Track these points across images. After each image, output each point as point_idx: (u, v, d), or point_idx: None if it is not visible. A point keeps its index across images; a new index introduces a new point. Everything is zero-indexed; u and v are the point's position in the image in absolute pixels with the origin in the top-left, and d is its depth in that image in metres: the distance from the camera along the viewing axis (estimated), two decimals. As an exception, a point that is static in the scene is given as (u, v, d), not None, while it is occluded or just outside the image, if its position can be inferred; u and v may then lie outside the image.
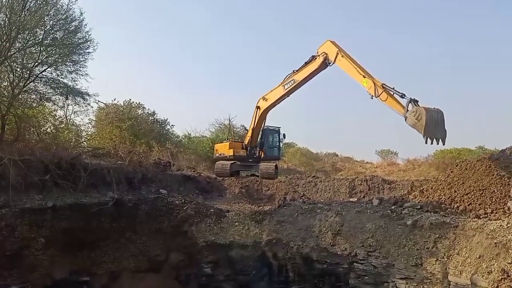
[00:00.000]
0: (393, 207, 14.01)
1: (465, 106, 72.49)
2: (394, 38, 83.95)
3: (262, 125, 22.63)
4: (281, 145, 25.19)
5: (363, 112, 75.31)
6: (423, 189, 15.14)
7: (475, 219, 11.81)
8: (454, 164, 15.15)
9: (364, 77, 15.67)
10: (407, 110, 13.86)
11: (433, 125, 13.06)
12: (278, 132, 24.56)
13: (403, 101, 14.34)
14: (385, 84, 14.93)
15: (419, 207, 13.48)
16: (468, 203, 12.98)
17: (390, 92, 14.75)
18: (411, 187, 17.44)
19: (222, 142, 25.77)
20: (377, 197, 16.81)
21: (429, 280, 11.32)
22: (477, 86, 74.10)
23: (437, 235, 11.57)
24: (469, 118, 67.55)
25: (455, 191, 13.64)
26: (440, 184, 14.45)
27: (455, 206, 13.14)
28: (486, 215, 12.07)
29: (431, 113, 13.13)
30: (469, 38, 78.18)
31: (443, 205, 13.36)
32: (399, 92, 14.46)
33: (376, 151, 43.23)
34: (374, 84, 15.16)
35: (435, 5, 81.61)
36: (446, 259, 11.13)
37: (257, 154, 23.46)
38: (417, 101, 13.82)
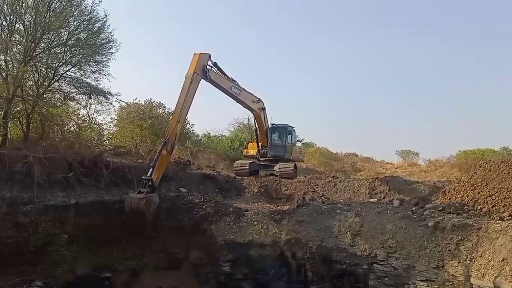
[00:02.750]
0: (414, 208, 13.86)
1: (489, 106, 71.09)
2: (415, 38, 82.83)
3: (265, 125, 22.20)
4: (286, 144, 23.28)
5: (383, 112, 74.72)
6: (445, 190, 14.92)
7: (499, 221, 11.60)
8: (478, 165, 14.87)
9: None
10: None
11: (132, 213, 13.26)
12: (284, 129, 23.44)
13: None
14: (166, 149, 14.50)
15: (441, 208, 13.30)
16: (492, 205, 12.74)
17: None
18: (433, 188, 17.18)
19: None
20: (397, 198, 16.64)
21: (451, 283, 11.16)
22: (502, 87, 72.51)
23: (459, 237, 11.40)
24: (493, 118, 66.20)
25: (478, 193, 13.40)
26: (463, 186, 14.21)
27: (478, 207, 12.92)
28: (510, 217, 11.82)
29: (130, 197, 13.34)
30: (497, 38, 76.53)
31: (465, 207, 13.15)
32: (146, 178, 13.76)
33: (396, 151, 42.86)
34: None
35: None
36: (468, 262, 10.97)
37: (267, 154, 23.02)
38: (151, 187, 13.59)
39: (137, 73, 75.00)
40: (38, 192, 12.66)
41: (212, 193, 18.70)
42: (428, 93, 78.44)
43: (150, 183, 13.53)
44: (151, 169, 13.90)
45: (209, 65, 16.58)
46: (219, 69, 17.42)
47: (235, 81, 18.58)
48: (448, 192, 14.57)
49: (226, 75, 17.97)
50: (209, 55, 16.59)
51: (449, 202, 13.76)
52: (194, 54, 15.95)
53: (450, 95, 77.62)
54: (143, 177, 13.80)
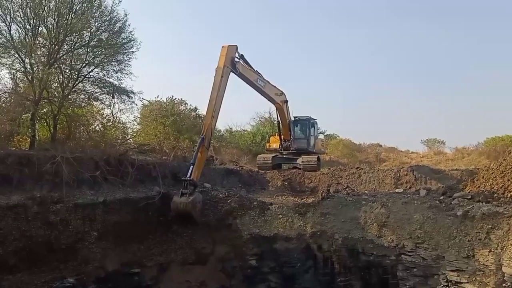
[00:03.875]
0: (441, 198, 13.59)
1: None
2: (437, 25, 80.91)
3: (287, 118, 22.12)
4: (309, 136, 23.44)
5: (407, 101, 73.41)
6: (473, 178, 14.56)
7: (531, 208, 11.25)
8: (507, 152, 14.44)
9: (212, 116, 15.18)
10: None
11: (178, 214, 13.90)
12: (307, 121, 23.55)
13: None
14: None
15: (469, 197, 12.97)
16: (523, 192, 12.37)
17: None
18: (460, 176, 16.82)
19: None
20: (424, 187, 16.36)
21: (482, 272, 10.90)
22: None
23: (489, 226, 11.11)
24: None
25: (508, 180, 13.01)
26: (492, 173, 13.83)
27: (509, 195, 12.54)
28: (542, 204, 11.47)
29: (174, 201, 13.75)
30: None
31: (495, 195, 12.79)
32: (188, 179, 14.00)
33: (421, 140, 42.08)
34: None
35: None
36: (499, 250, 10.68)
37: (290, 147, 22.90)
38: (193, 186, 13.92)
39: (155, 70, 75.71)
40: (67, 191, 12.92)
41: (236, 188, 18.78)
42: (453, 80, 76.75)
43: (191, 182, 13.83)
44: (191, 167, 14.14)
45: (237, 57, 16.60)
46: (245, 61, 17.39)
47: (259, 73, 18.55)
48: (477, 180, 14.21)
49: (251, 67, 17.94)
50: (236, 47, 16.59)
51: (478, 190, 13.43)
52: (223, 46, 15.96)
53: (476, 81, 75.73)
54: (183, 178, 14.09)
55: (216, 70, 15.53)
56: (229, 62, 15.79)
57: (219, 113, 15.64)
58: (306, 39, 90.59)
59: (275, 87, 20.10)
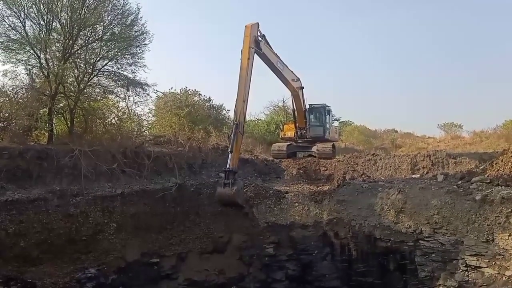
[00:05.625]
0: (459, 182, 13.44)
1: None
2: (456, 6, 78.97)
3: (302, 105, 21.92)
4: (326, 123, 23.05)
5: (423, 85, 72.31)
6: (492, 162, 14.35)
7: (551, 191, 11.06)
8: (527, 134, 14.21)
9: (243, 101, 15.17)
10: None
11: (224, 204, 14.59)
12: (323, 109, 23.14)
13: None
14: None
15: (488, 181, 12.82)
16: (543, 174, 12.16)
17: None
18: (479, 160, 16.57)
19: None
20: (441, 172, 16.18)
21: (502, 256, 10.81)
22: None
23: (509, 210, 10.99)
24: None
25: (528, 163, 12.83)
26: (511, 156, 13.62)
27: (529, 178, 12.37)
28: None
29: (219, 193, 14.37)
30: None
31: (515, 178, 12.63)
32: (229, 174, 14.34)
33: (438, 124, 41.57)
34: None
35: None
36: (520, 234, 10.57)
37: (306, 135, 22.69)
38: (234, 173, 14.41)
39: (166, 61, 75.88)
40: (86, 184, 13.19)
41: (252, 177, 18.82)
42: (470, 62, 75.24)
43: (231, 171, 14.27)
44: (230, 155, 14.49)
45: (259, 36, 16.47)
46: (266, 41, 17.23)
47: (278, 55, 18.43)
48: (496, 163, 14.01)
49: (272, 48, 17.80)
50: (258, 24, 16.42)
51: (497, 174, 13.25)
52: (246, 26, 15.77)
53: (494, 62, 74.11)
54: (224, 169, 14.59)
55: (241, 52, 15.44)
56: (253, 43, 15.70)
57: (248, 97, 15.62)
58: (319, 25, 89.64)
59: (292, 72, 19.95)
